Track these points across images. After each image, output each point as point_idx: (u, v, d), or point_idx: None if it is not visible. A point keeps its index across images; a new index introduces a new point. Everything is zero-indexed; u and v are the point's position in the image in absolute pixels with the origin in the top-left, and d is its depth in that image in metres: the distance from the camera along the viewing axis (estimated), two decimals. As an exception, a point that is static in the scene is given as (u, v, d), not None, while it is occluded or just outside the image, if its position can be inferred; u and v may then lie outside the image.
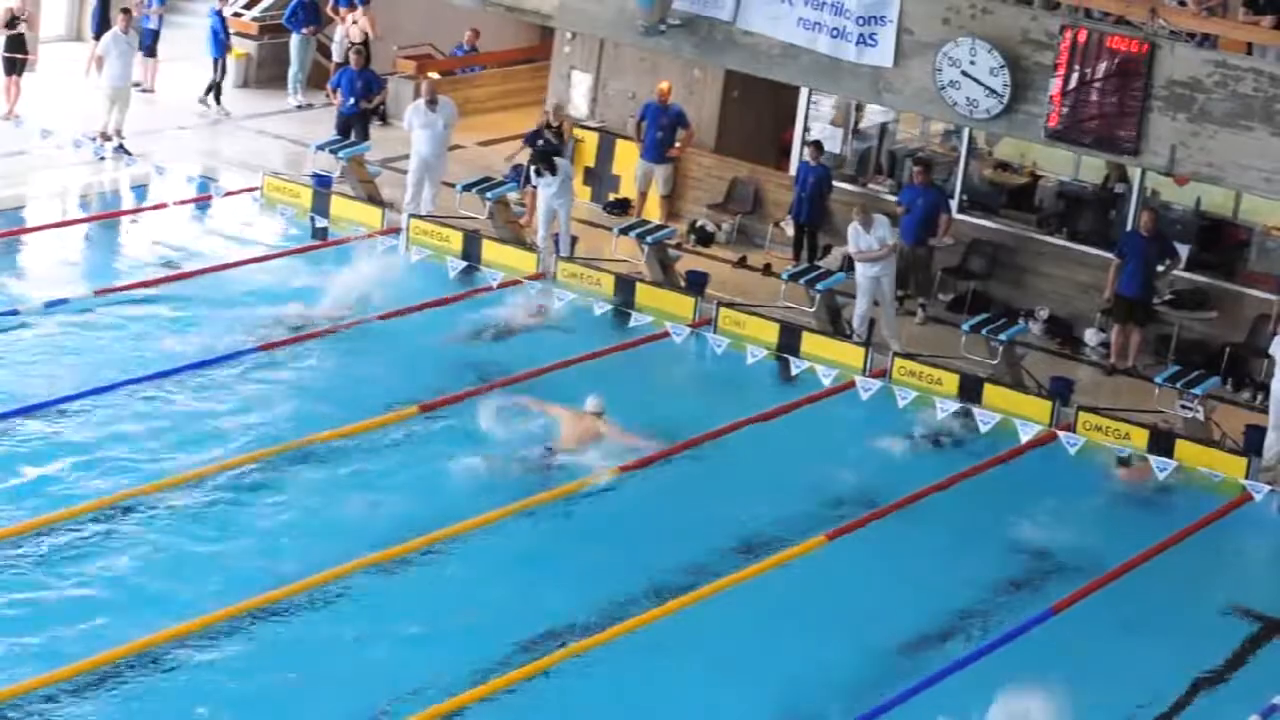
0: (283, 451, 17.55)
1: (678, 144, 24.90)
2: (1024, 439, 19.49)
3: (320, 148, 24.52)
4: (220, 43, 27.43)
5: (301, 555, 15.74)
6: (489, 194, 23.36)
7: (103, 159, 24.89)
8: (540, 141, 24.53)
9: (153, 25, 27.66)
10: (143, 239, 23.13)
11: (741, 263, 24.12)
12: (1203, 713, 15.29)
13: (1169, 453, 19.33)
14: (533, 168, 23.35)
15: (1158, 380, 20.15)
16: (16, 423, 17.47)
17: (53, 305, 20.19)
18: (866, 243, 21.65)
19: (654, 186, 25.02)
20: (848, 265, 23.56)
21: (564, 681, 14.53)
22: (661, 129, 24.74)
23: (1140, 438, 19.58)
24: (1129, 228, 22.25)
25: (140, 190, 24.44)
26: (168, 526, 16.09)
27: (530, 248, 23.01)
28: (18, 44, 26.14)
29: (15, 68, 26.16)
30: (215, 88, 27.53)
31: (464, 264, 22.46)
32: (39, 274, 21.31)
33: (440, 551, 16.22)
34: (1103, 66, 19.76)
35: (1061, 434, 19.64)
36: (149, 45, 27.56)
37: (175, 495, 16.54)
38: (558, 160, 23.23)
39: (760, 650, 15.30)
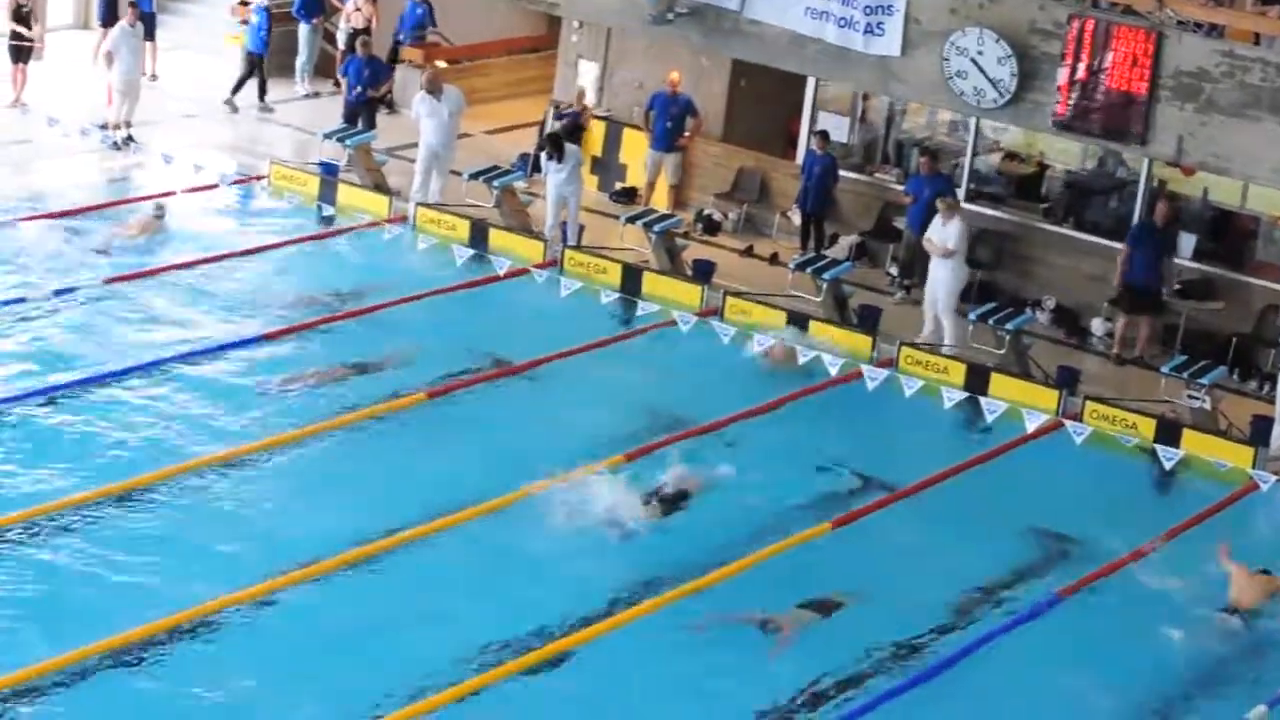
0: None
1: (687, 133, 24.90)
2: (1030, 428, 19.52)
3: (328, 136, 24.56)
4: (261, 40, 27.16)
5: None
6: (496, 182, 23.38)
7: (114, 146, 24.89)
8: (564, 121, 24.43)
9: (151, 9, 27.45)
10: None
11: (748, 252, 24.12)
12: (1209, 699, 15.32)
13: (1175, 442, 19.35)
14: (541, 152, 23.33)
15: (1164, 370, 20.18)
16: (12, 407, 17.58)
17: (61, 293, 20.22)
18: (935, 233, 21.61)
19: (662, 175, 25.03)
20: (857, 254, 23.61)
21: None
22: (671, 118, 24.72)
23: (1147, 427, 19.60)
24: (1136, 217, 22.26)
25: (147, 178, 24.41)
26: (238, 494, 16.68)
27: (537, 236, 23.04)
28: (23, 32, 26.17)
29: (22, 56, 26.16)
30: (241, 84, 27.26)
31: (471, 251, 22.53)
32: (47, 262, 21.28)
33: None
34: (1110, 56, 19.78)
35: (1068, 423, 19.65)
36: (149, 30, 27.40)
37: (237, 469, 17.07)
38: (567, 146, 23.20)
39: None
